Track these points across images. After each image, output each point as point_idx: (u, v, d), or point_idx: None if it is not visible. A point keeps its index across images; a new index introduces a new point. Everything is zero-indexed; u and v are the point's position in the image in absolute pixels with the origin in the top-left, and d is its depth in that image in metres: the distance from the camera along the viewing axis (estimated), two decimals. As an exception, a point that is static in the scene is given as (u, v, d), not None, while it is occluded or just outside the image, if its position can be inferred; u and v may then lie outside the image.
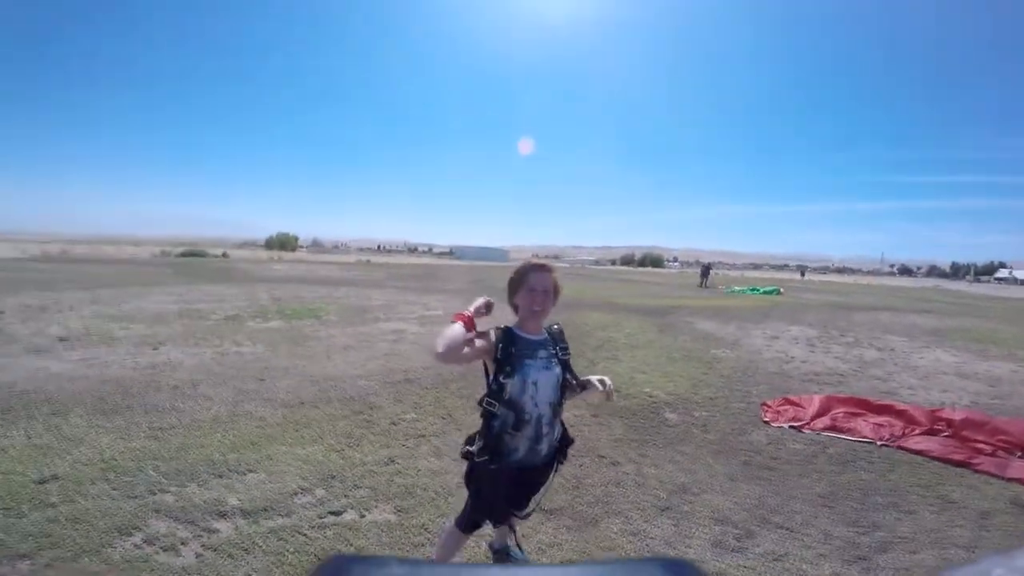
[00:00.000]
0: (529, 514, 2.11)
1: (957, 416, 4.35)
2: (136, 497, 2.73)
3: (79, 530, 2.42)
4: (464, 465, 1.96)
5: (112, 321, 7.91)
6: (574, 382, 1.97)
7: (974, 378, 6.57)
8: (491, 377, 1.86)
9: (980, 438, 4.00)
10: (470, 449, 1.89)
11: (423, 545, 2.46)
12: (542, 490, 2.05)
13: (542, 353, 1.89)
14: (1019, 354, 8.34)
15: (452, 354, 1.73)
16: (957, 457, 3.73)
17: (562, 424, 2.02)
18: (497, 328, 1.91)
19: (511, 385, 1.81)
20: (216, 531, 2.47)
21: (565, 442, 2.03)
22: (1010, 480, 3.42)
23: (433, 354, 1.75)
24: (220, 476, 3.03)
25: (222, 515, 2.60)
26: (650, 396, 5.29)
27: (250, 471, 3.12)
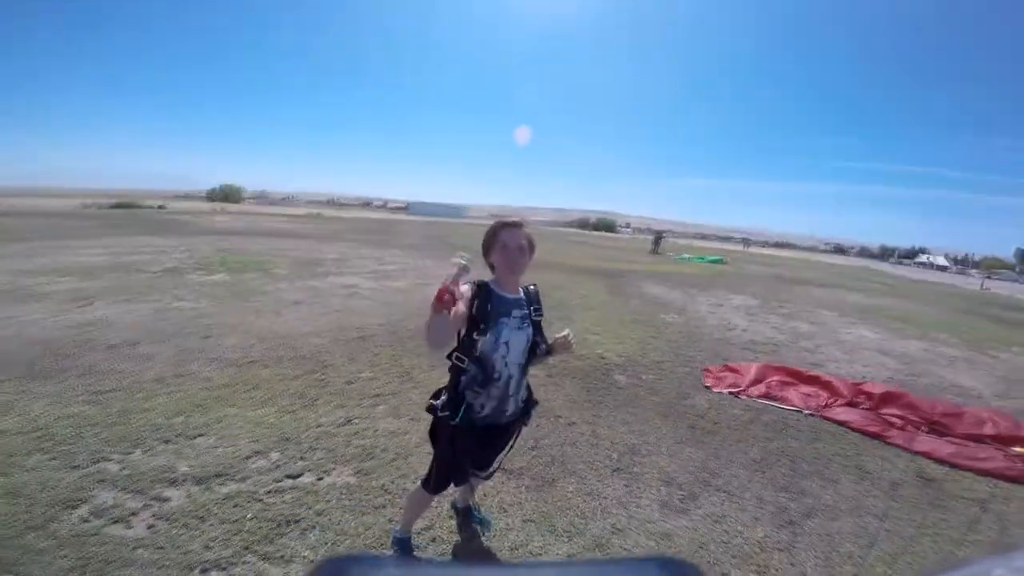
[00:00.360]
0: (492, 474, 2.16)
1: (877, 390, 4.72)
2: (77, 467, 2.59)
3: (19, 505, 2.28)
4: (428, 421, 1.96)
5: (36, 276, 7.25)
6: (543, 345, 1.97)
7: (892, 355, 7.14)
8: (463, 332, 1.82)
9: (894, 412, 4.36)
10: (434, 403, 1.88)
11: (384, 507, 2.48)
12: (505, 450, 2.07)
13: (516, 312, 1.88)
14: (931, 335, 9.11)
15: (445, 345, 1.71)
16: (872, 429, 4.06)
17: (527, 386, 2.03)
18: (474, 284, 1.86)
19: (483, 343, 1.81)
20: (167, 500, 2.39)
21: (529, 403, 2.05)
22: (916, 453, 3.74)
23: (429, 349, 1.76)
24: (167, 441, 2.91)
25: (172, 483, 2.52)
26: (602, 357, 5.47)
27: (199, 435, 3.02)
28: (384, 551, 2.15)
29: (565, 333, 1.99)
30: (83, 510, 2.28)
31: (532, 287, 2.02)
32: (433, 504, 2.53)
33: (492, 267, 1.93)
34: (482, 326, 1.79)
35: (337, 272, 9.69)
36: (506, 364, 1.85)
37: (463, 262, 1.67)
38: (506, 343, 1.83)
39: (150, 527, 2.21)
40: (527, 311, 1.92)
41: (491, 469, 2.12)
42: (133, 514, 2.27)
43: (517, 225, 1.90)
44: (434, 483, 1.99)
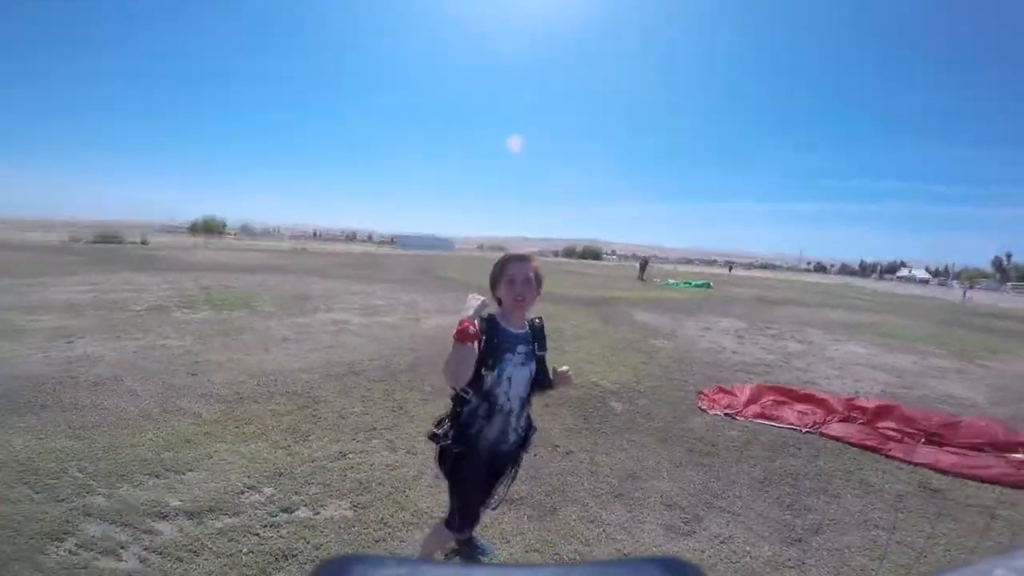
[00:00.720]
0: (497, 504, 2.11)
1: (870, 404, 4.77)
2: (63, 500, 2.50)
3: (3, 536, 2.19)
4: (424, 454, 1.95)
5: (18, 312, 7.10)
6: (545, 379, 1.97)
7: (882, 369, 7.24)
8: None
9: (890, 425, 4.40)
10: (436, 432, 1.87)
11: (384, 540, 2.41)
12: (508, 480, 2.04)
13: (522, 348, 1.87)
14: (918, 347, 9.27)
15: (465, 379, 1.71)
16: (870, 443, 4.08)
17: (528, 415, 2.01)
18: (482, 319, 1.83)
19: (490, 377, 1.79)
20: (159, 533, 2.30)
21: (528, 432, 2.03)
22: (917, 465, 3.75)
23: (448, 383, 1.75)
24: (156, 476, 2.81)
25: (163, 516, 2.43)
26: (597, 385, 5.45)
27: (189, 470, 2.92)
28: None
29: (565, 368, 2.00)
30: (70, 543, 2.19)
31: (538, 321, 2.00)
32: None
33: (499, 301, 1.92)
34: (490, 361, 1.78)
35: (325, 308, 9.60)
36: (508, 398, 1.85)
37: (482, 298, 1.74)
38: (509, 378, 1.83)
39: (142, 560, 2.12)
40: (532, 346, 1.91)
41: (496, 499, 2.08)
42: (123, 547, 2.19)
43: (525, 259, 1.90)
44: (459, 520, 1.94)
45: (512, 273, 1.85)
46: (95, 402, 3.91)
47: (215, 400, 4.17)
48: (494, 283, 1.92)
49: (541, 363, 1.95)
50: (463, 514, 1.93)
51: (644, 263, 31.40)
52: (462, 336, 1.60)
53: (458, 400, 1.85)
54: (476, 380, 1.78)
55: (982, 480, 3.49)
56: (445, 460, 1.88)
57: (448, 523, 1.96)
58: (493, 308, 1.89)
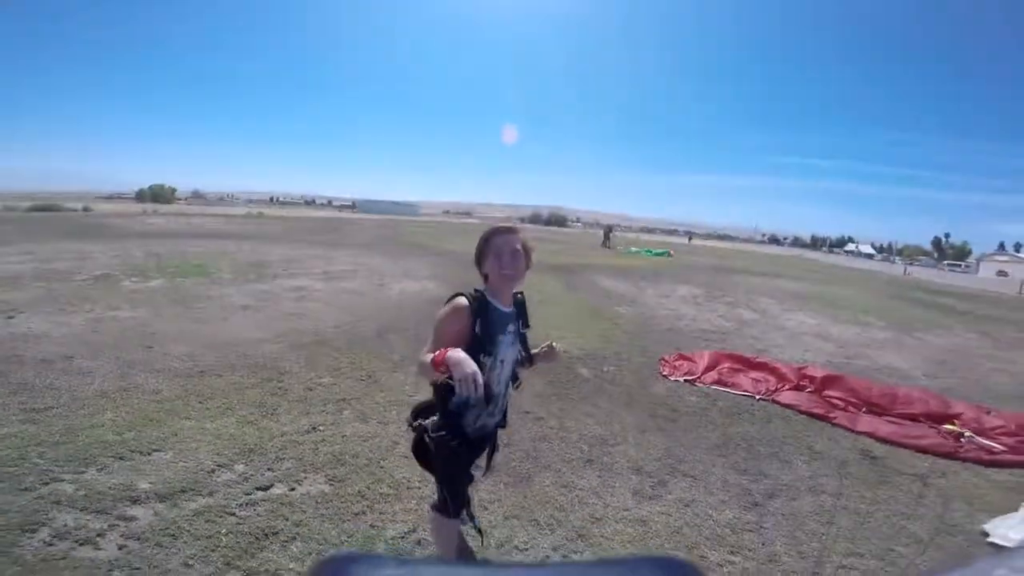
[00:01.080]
0: (487, 475, 2.06)
1: (819, 374, 5.04)
2: (27, 489, 2.38)
3: None
4: (398, 423, 1.89)
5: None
6: (526, 356, 1.89)
7: (829, 339, 7.67)
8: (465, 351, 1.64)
9: (836, 394, 4.68)
10: (423, 423, 1.78)
11: (364, 513, 2.43)
12: (496, 452, 2.00)
13: (511, 328, 1.77)
14: (862, 319, 9.82)
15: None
16: (818, 411, 4.34)
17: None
18: (470, 297, 1.70)
19: (488, 363, 1.68)
20: (133, 519, 2.24)
21: (507, 407, 1.96)
22: (858, 433, 3.99)
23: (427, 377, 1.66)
24: (121, 458, 2.72)
25: (135, 501, 2.36)
26: (565, 351, 5.55)
27: (155, 450, 2.83)
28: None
29: (557, 345, 1.93)
30: (44, 533, 2.11)
31: (520, 296, 1.88)
32: (412, 507, 2.51)
33: (486, 277, 1.79)
34: (488, 347, 1.68)
35: (285, 274, 9.33)
36: (500, 382, 1.78)
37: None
38: (502, 361, 1.75)
39: (121, 547, 2.07)
40: (517, 324, 1.82)
41: (485, 471, 2.02)
42: (99, 535, 2.12)
43: (511, 231, 1.79)
44: (452, 505, 1.86)
45: (499, 246, 1.73)
46: (46, 382, 3.69)
47: (174, 375, 4.03)
48: (480, 258, 1.79)
49: (523, 341, 1.87)
50: (455, 500, 1.86)
51: (608, 231, 31.79)
52: (438, 365, 1.50)
53: (444, 388, 1.69)
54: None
55: (917, 449, 3.75)
56: (439, 452, 1.77)
57: (441, 510, 1.88)
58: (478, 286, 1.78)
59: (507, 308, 1.78)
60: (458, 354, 1.49)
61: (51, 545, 2.06)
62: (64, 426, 3.04)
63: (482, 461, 1.99)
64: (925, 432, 4.00)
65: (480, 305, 1.69)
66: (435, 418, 1.78)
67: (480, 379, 1.47)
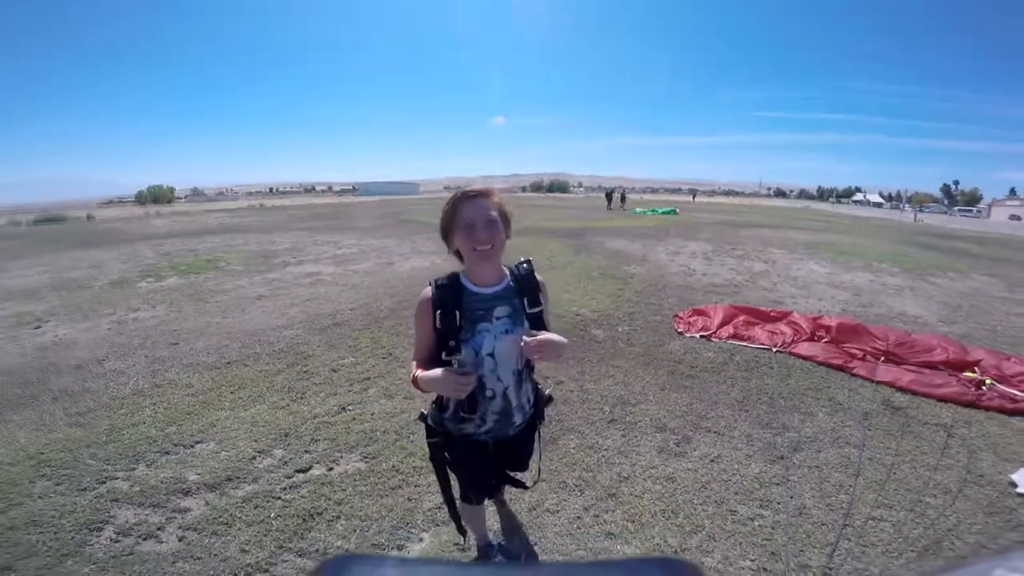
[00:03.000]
0: (535, 483, 1.99)
1: (833, 323, 4.97)
2: (87, 489, 2.52)
3: (45, 533, 2.22)
4: (422, 397, 1.79)
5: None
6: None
7: (842, 287, 7.60)
8: (433, 348, 1.47)
9: (853, 344, 4.63)
10: (423, 412, 1.64)
11: (400, 487, 2.53)
12: (537, 456, 1.78)
13: (502, 311, 1.46)
14: (874, 266, 9.69)
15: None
16: (836, 362, 4.31)
17: (533, 383, 1.66)
18: (435, 284, 1.46)
19: (456, 363, 1.44)
20: (187, 510, 2.36)
21: (540, 400, 1.69)
22: (879, 383, 3.92)
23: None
24: (167, 453, 2.85)
25: (186, 493, 2.48)
26: (577, 314, 5.62)
27: (197, 442, 2.97)
28: (389, 550, 2.15)
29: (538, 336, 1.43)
30: (109, 531, 2.24)
31: (524, 265, 1.55)
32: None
33: (459, 255, 1.49)
34: (451, 342, 1.42)
35: (295, 262, 9.42)
36: (498, 378, 1.48)
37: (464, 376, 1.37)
38: (491, 355, 1.44)
39: (181, 539, 2.19)
40: (518, 303, 1.48)
41: (531, 481, 1.91)
42: (160, 529, 2.24)
43: (484, 194, 1.44)
44: (474, 496, 1.79)
45: (470, 216, 1.39)
46: (84, 386, 3.85)
47: (203, 368, 4.16)
48: (447, 232, 1.47)
49: (538, 323, 1.49)
50: (477, 494, 1.79)
51: (622, 194, 31.39)
52: (415, 387, 1.43)
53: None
54: (444, 367, 1.42)
55: (938, 398, 3.68)
56: (432, 453, 1.65)
57: (464, 497, 1.80)
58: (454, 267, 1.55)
59: (492, 288, 1.48)
60: (430, 375, 1.37)
61: (117, 542, 2.18)
62: (108, 426, 3.18)
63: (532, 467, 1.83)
64: (946, 380, 3.90)
65: (446, 293, 1.44)
66: (434, 415, 1.63)
67: (465, 381, 1.34)
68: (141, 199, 63.18)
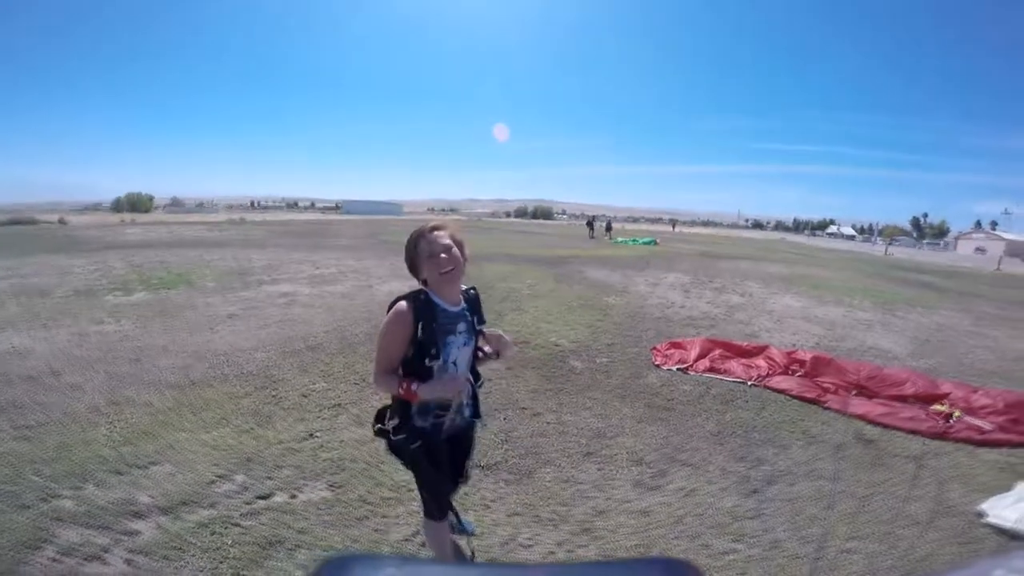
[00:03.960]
0: (468, 479, 2.09)
1: (807, 357, 5.07)
2: (27, 507, 2.36)
3: None
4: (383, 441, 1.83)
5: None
6: (486, 351, 1.87)
7: (815, 321, 7.77)
8: (410, 354, 1.64)
9: (826, 377, 4.72)
10: (383, 427, 1.76)
11: (367, 518, 2.44)
12: (472, 452, 2.01)
13: (462, 326, 1.72)
14: (846, 300, 9.94)
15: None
16: (809, 395, 4.37)
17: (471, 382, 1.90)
18: (412, 299, 1.65)
19: (435, 367, 1.65)
20: (137, 533, 2.23)
21: (478, 400, 1.92)
22: (851, 416, 3.98)
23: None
24: (119, 473, 2.70)
25: (137, 515, 2.35)
26: (556, 345, 5.59)
27: (153, 463, 2.82)
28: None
29: (496, 331, 1.88)
30: (49, 550, 2.10)
31: (472, 291, 1.85)
32: (415, 509, 2.50)
33: (424, 283, 1.72)
34: (433, 350, 1.63)
35: (271, 280, 9.22)
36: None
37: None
38: (454, 363, 1.70)
39: (128, 562, 2.06)
40: (471, 321, 1.76)
41: (467, 475, 2.04)
42: (105, 551, 2.11)
43: (437, 228, 1.70)
44: (436, 508, 1.85)
45: (431, 248, 1.65)
46: (35, 399, 3.65)
47: (165, 387, 3.99)
48: (413, 266, 1.73)
49: (480, 336, 1.84)
50: (438, 501, 1.85)
51: (608, 223, 31.94)
52: (408, 398, 1.62)
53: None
54: (424, 373, 1.64)
55: (909, 431, 3.77)
56: (403, 454, 1.78)
57: (428, 514, 1.87)
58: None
59: (455, 307, 1.72)
60: (429, 388, 1.60)
61: (58, 562, 2.05)
62: (58, 442, 3.01)
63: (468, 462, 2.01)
64: (916, 413, 4.01)
65: (423, 307, 1.63)
66: (394, 421, 1.74)
67: (460, 384, 1.66)
68: (118, 206, 61.81)
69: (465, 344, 1.73)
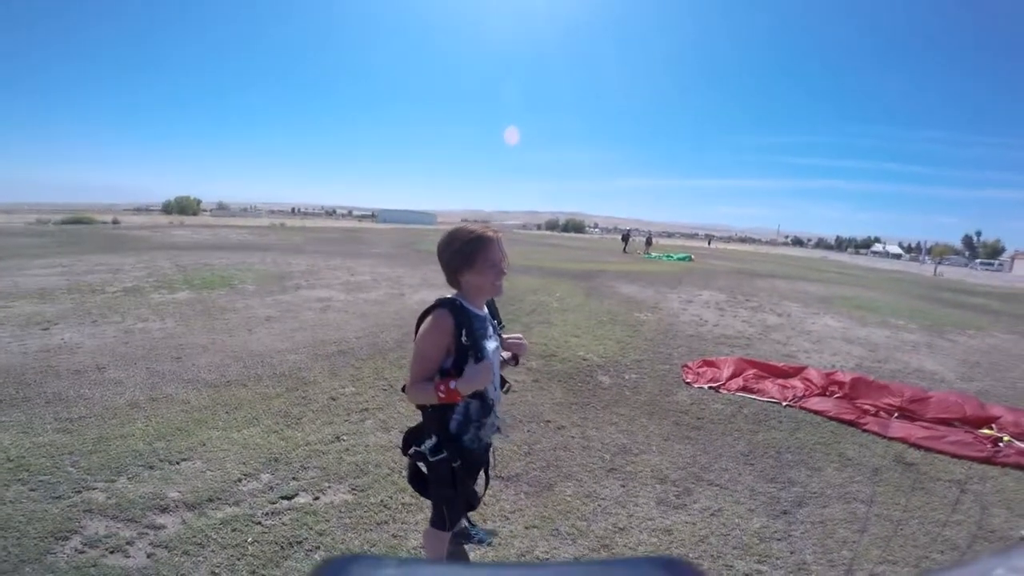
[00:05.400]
0: (484, 494, 2.05)
1: (847, 379, 4.88)
2: (61, 497, 2.46)
3: (8, 538, 2.16)
4: (406, 467, 1.80)
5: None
6: (505, 356, 1.89)
7: (857, 343, 7.44)
8: (451, 363, 1.61)
9: (866, 399, 4.53)
10: (420, 450, 1.67)
11: (386, 523, 2.44)
12: (489, 467, 1.93)
13: (490, 330, 1.74)
14: (891, 321, 9.53)
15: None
16: (847, 417, 4.20)
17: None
18: (450, 305, 1.62)
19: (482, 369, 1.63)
20: (162, 527, 2.30)
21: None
22: (891, 439, 3.88)
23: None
24: (151, 467, 2.79)
25: (164, 510, 2.42)
26: (584, 359, 5.52)
27: (184, 460, 2.90)
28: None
29: (516, 336, 1.91)
30: (75, 541, 2.18)
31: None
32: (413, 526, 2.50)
33: (459, 283, 1.69)
34: (479, 354, 1.61)
35: (308, 285, 9.47)
36: (495, 387, 1.74)
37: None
38: (492, 367, 1.67)
39: (149, 555, 2.12)
40: (493, 324, 1.79)
41: (483, 491, 2.00)
42: (129, 543, 2.18)
43: (499, 234, 1.72)
44: (450, 521, 1.80)
45: (495, 256, 1.64)
46: (79, 393, 3.83)
47: (202, 385, 4.12)
48: (462, 266, 1.65)
49: (501, 340, 1.85)
50: (454, 516, 1.80)
51: (626, 236, 31.56)
52: (450, 399, 1.57)
53: (441, 409, 1.64)
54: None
55: (953, 455, 3.61)
56: (439, 474, 1.68)
57: (437, 525, 1.82)
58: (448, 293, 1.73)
59: (482, 312, 1.74)
60: (466, 380, 1.56)
61: (82, 553, 2.11)
62: (96, 435, 3.13)
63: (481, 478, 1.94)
64: (961, 437, 3.85)
65: (463, 314, 1.62)
66: (430, 441, 1.67)
67: (490, 372, 1.60)
68: (168, 208, 65.22)
69: (496, 348, 1.74)
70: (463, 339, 1.58)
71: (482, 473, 1.92)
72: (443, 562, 1.82)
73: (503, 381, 1.88)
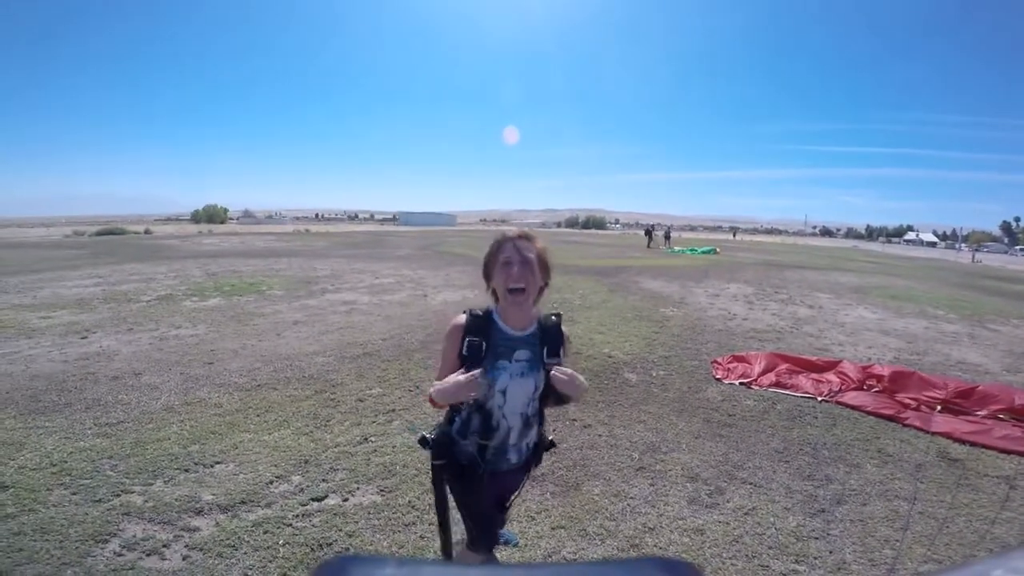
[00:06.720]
0: (502, 525, 1.91)
1: (885, 372, 4.70)
2: (100, 501, 2.55)
3: (51, 541, 2.24)
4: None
5: (29, 311, 7.11)
6: (556, 394, 1.55)
7: (894, 334, 7.19)
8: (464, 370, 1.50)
9: (907, 393, 4.36)
10: (425, 435, 1.60)
11: (414, 523, 2.45)
12: (514, 496, 1.76)
13: (523, 355, 1.52)
14: (929, 311, 9.17)
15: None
16: (887, 412, 4.05)
17: (537, 432, 1.67)
18: (470, 312, 1.54)
19: (483, 390, 1.50)
20: (196, 529, 2.35)
21: (541, 446, 1.71)
22: (934, 434, 3.71)
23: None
24: (186, 470, 2.87)
25: (199, 512, 2.48)
26: (609, 356, 5.46)
27: (217, 462, 2.97)
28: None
29: (566, 371, 1.49)
30: (114, 544, 2.25)
31: (554, 318, 1.62)
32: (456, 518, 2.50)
33: (495, 295, 1.57)
34: (486, 365, 1.49)
35: (333, 289, 9.63)
36: (504, 415, 1.53)
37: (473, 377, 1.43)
38: (502, 392, 1.51)
39: (185, 558, 2.17)
40: (538, 351, 1.54)
41: (504, 517, 1.86)
42: (165, 546, 2.24)
43: (526, 237, 1.54)
44: (481, 540, 1.67)
45: (508, 254, 1.49)
46: (117, 398, 3.96)
47: (234, 389, 4.22)
48: (488, 271, 1.57)
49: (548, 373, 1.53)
50: (484, 535, 1.68)
51: (667, 232, 31.17)
52: (432, 402, 1.48)
53: (453, 406, 1.57)
54: None
55: (1000, 450, 3.46)
56: (433, 476, 1.61)
57: (472, 546, 1.70)
58: (486, 303, 1.63)
59: (519, 331, 1.54)
60: (440, 388, 1.43)
61: (120, 556, 2.18)
62: (134, 439, 3.24)
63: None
64: (1010, 431, 3.68)
65: (478, 325, 1.51)
66: (439, 431, 1.61)
67: (470, 378, 1.39)
68: (196, 218, 67.59)
69: (523, 375, 1.51)
70: (463, 350, 1.49)
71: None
72: (442, 562, 1.80)
73: (541, 418, 1.65)
